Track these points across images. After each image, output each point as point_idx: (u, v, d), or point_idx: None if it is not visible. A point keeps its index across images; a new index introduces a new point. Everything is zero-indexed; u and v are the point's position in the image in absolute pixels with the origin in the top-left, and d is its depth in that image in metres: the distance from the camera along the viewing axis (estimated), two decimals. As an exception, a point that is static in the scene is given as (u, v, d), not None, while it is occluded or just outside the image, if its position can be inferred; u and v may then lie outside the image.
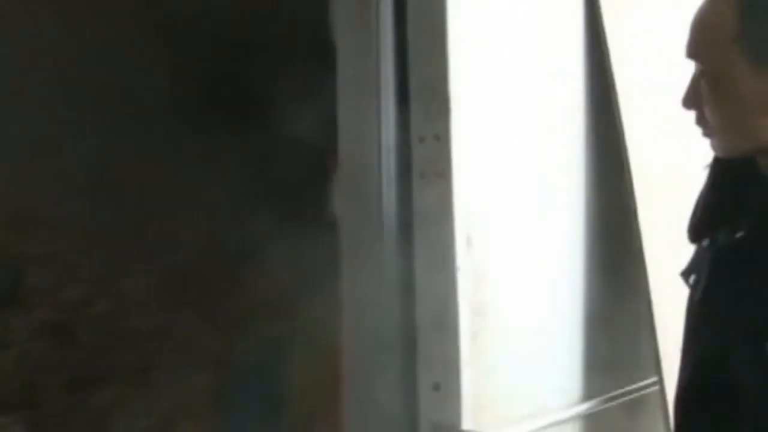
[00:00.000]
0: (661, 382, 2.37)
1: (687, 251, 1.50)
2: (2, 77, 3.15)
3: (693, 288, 1.47)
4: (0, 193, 3.75)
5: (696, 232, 1.48)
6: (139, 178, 3.73)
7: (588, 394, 2.44)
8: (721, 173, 1.45)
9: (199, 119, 3.39)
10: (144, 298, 3.92)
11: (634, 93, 2.42)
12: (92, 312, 3.95)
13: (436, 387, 2.12)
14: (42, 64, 3.28)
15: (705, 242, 1.45)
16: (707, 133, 1.41)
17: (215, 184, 3.35)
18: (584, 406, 2.42)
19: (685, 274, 1.48)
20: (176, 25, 3.37)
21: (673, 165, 2.39)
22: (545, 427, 2.34)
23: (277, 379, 3.21)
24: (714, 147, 1.42)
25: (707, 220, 1.46)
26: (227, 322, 3.63)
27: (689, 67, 1.41)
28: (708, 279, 1.42)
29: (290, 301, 3.18)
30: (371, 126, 2.11)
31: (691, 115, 1.41)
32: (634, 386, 2.54)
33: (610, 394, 2.48)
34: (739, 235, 1.38)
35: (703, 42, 1.38)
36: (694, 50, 1.40)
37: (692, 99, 1.40)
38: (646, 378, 2.53)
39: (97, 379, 3.83)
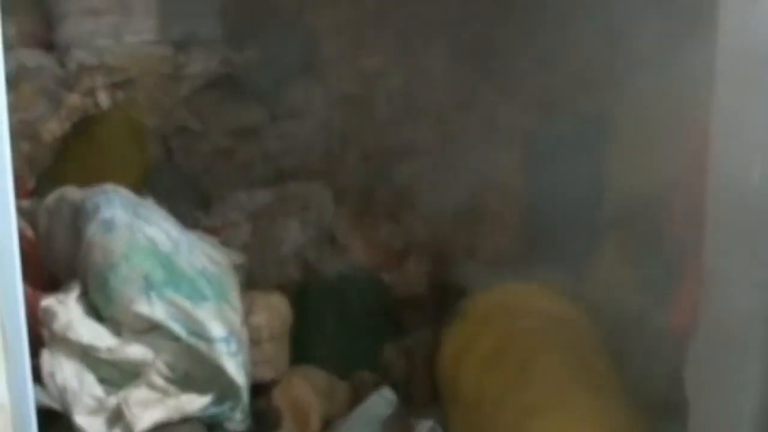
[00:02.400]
0: None
1: None
2: None
3: None
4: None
5: None
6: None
7: None
8: None
9: None
10: (441, 69, 3.74)
11: None
12: (389, 83, 3.83)
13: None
14: None
15: None
16: None
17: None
18: None
19: None
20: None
21: None
22: None
23: (595, 161, 2.94)
24: None
25: None
26: (536, 95, 3.37)
27: None
28: None
29: (614, 74, 2.87)
30: None
31: None
32: None
33: None
34: None
35: None
36: None
37: None
38: None
39: (395, 152, 3.75)
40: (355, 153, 3.79)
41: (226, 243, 2.96)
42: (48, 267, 2.43)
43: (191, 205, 3.48)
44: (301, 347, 2.80)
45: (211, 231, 3.14)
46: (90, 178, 3.07)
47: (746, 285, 1.96)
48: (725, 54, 1.87)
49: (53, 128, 3.42)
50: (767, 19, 1.83)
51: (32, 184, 3.37)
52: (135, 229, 2.38)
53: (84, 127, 3.49)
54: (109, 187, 2.49)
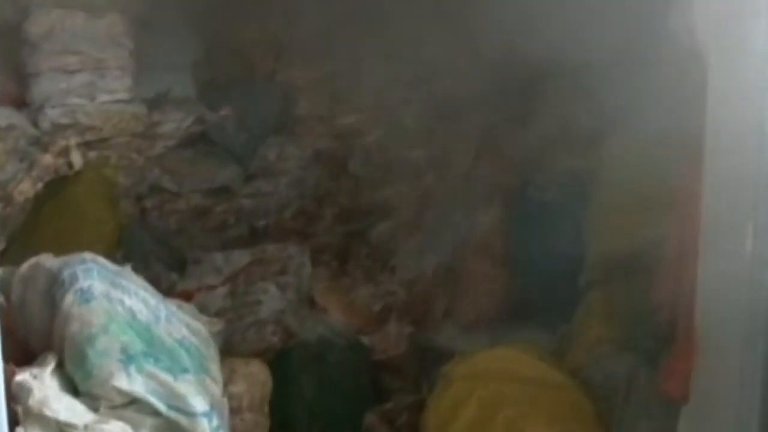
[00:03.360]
0: None
1: None
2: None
3: None
4: (269, 24, 3.64)
5: None
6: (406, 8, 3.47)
7: None
8: None
9: None
10: (419, 127, 3.73)
11: None
12: (365, 141, 3.81)
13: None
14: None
15: None
16: None
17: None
18: None
19: None
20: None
21: None
22: None
23: (579, 219, 2.92)
24: None
25: None
26: (515, 154, 3.36)
27: None
28: None
29: (597, 135, 2.86)
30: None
31: None
32: None
33: None
34: None
35: None
36: None
37: None
38: None
39: (372, 211, 3.72)
40: (331, 212, 3.75)
41: (201, 306, 2.89)
42: (21, 337, 2.35)
43: (165, 266, 3.42)
44: (281, 414, 2.75)
45: (186, 294, 3.07)
46: (62, 239, 3.01)
47: (740, 353, 1.94)
48: (715, 120, 1.87)
49: (25, 189, 3.35)
50: (755, 86, 1.83)
51: (3, 245, 3.30)
52: (113, 299, 2.31)
53: (56, 187, 3.43)
54: (87, 255, 2.42)
